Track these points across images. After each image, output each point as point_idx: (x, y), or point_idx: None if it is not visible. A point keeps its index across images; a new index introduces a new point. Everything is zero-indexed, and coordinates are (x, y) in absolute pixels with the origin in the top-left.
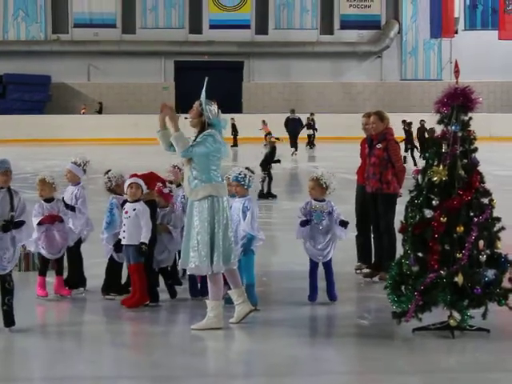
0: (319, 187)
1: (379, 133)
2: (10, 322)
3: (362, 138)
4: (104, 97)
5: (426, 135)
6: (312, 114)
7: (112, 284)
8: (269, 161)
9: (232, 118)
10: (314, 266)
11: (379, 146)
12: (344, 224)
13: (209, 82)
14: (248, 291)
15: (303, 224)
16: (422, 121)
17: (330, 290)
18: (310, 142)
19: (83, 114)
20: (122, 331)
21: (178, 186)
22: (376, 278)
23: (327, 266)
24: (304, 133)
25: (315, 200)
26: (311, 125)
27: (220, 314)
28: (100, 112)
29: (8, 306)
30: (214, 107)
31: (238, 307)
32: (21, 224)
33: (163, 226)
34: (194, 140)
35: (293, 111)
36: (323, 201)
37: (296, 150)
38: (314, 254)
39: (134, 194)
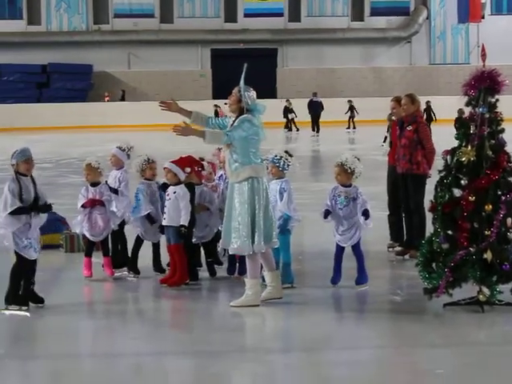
0: (344, 173)
1: (410, 115)
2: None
3: (392, 121)
4: (143, 84)
5: (432, 115)
6: (350, 101)
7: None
8: None
9: (215, 105)
10: (338, 249)
11: (409, 127)
12: (366, 214)
13: (248, 69)
14: (285, 270)
15: (325, 215)
16: (427, 102)
17: (358, 274)
18: (352, 124)
19: (107, 101)
20: (163, 309)
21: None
22: (407, 256)
23: (354, 250)
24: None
25: (342, 185)
26: (353, 108)
27: (258, 291)
28: (123, 99)
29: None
30: (253, 93)
31: (269, 288)
32: (49, 207)
33: (201, 206)
34: (232, 125)
35: (315, 94)
36: (349, 186)
37: (317, 133)
38: (338, 238)
39: (169, 179)
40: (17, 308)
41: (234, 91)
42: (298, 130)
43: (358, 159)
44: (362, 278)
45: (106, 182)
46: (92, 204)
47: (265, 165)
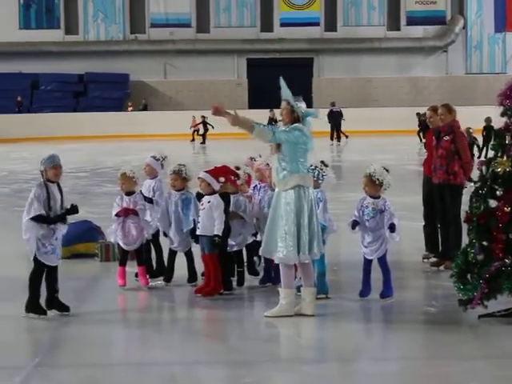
0: (372, 184)
1: (447, 125)
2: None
3: (428, 131)
4: (180, 93)
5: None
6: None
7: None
8: None
9: (202, 116)
10: (366, 261)
11: (446, 138)
12: (392, 227)
13: (283, 80)
14: (319, 280)
15: (353, 226)
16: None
17: (383, 287)
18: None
19: (131, 111)
20: (197, 318)
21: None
22: (442, 267)
23: (380, 263)
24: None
25: (370, 196)
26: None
27: (292, 301)
28: (145, 109)
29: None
30: (302, 103)
31: (302, 303)
32: (75, 210)
33: (235, 214)
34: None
35: (333, 104)
36: (378, 198)
37: (338, 141)
38: (364, 250)
39: (203, 189)
40: (36, 316)
41: (282, 106)
42: (338, 141)
43: (387, 170)
44: (387, 292)
45: (141, 191)
46: (126, 213)
47: (311, 175)
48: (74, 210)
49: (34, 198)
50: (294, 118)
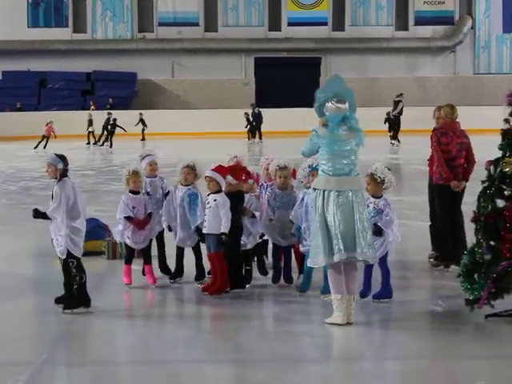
0: (374, 182)
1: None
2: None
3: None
4: (187, 92)
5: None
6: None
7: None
8: None
9: (140, 113)
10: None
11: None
12: (377, 231)
13: (292, 79)
14: (325, 281)
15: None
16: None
17: (381, 287)
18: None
19: (92, 110)
20: (203, 316)
21: None
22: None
23: (380, 263)
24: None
25: (372, 196)
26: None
27: (341, 308)
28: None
29: (76, 290)
30: (330, 105)
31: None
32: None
33: (248, 211)
34: None
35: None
36: (380, 197)
37: None
38: None
39: (212, 188)
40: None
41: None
42: (258, 139)
43: (389, 169)
44: (384, 293)
45: (148, 193)
46: (142, 227)
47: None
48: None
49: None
50: (323, 122)
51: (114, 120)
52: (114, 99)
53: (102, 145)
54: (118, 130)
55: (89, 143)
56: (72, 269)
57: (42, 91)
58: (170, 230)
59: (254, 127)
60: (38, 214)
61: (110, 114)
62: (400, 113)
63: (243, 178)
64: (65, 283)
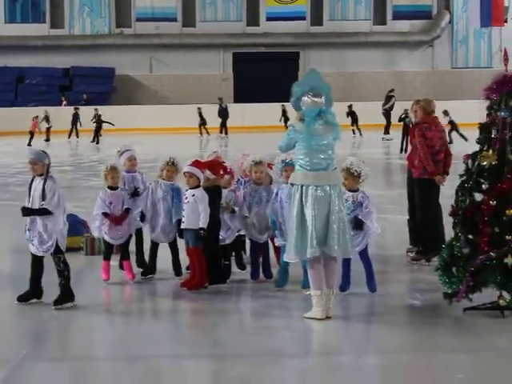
0: (351, 176)
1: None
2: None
3: (412, 125)
4: (165, 87)
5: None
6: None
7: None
8: None
9: (199, 108)
10: None
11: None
12: (357, 224)
13: (270, 74)
14: (305, 275)
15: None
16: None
17: (368, 281)
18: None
19: (64, 105)
20: (182, 312)
21: None
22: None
23: (361, 256)
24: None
25: (349, 190)
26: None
27: (320, 304)
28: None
29: (64, 285)
30: (306, 99)
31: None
32: (44, 212)
33: (228, 205)
34: None
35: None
36: (356, 191)
37: None
38: None
39: (191, 183)
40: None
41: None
42: (208, 134)
43: (363, 162)
44: (372, 285)
45: (136, 188)
46: (119, 223)
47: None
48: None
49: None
50: (300, 116)
51: (99, 116)
52: (89, 95)
53: (98, 142)
54: (105, 125)
55: (48, 140)
56: (60, 264)
57: (20, 87)
58: (142, 220)
59: (221, 122)
60: (32, 212)
61: (96, 109)
62: (391, 108)
63: (221, 173)
64: (36, 279)
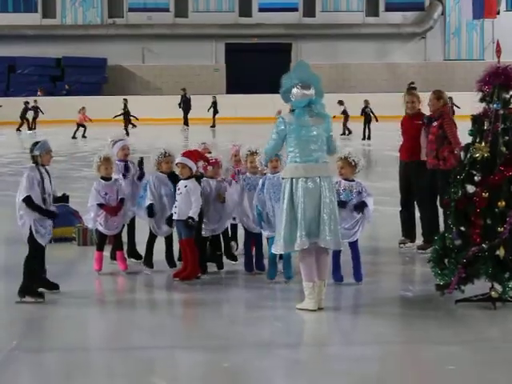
0: (348, 166)
1: (436, 111)
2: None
3: (404, 117)
4: (158, 78)
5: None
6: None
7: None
8: None
9: (214, 96)
10: None
11: (435, 123)
12: (359, 205)
13: (262, 65)
14: (285, 264)
15: (340, 205)
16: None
17: (354, 271)
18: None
19: (39, 95)
20: (175, 302)
21: None
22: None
23: (353, 246)
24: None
25: (345, 180)
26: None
27: (312, 295)
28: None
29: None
30: (295, 91)
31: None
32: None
33: (220, 195)
34: None
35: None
36: (353, 181)
37: None
38: (342, 233)
39: (181, 173)
40: (33, 300)
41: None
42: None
43: (360, 153)
44: (359, 276)
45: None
46: (114, 213)
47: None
48: (64, 199)
49: (26, 180)
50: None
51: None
52: (71, 86)
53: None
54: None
55: (31, 129)
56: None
57: (12, 77)
58: (151, 215)
59: (184, 113)
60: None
61: (125, 100)
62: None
63: (203, 164)
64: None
